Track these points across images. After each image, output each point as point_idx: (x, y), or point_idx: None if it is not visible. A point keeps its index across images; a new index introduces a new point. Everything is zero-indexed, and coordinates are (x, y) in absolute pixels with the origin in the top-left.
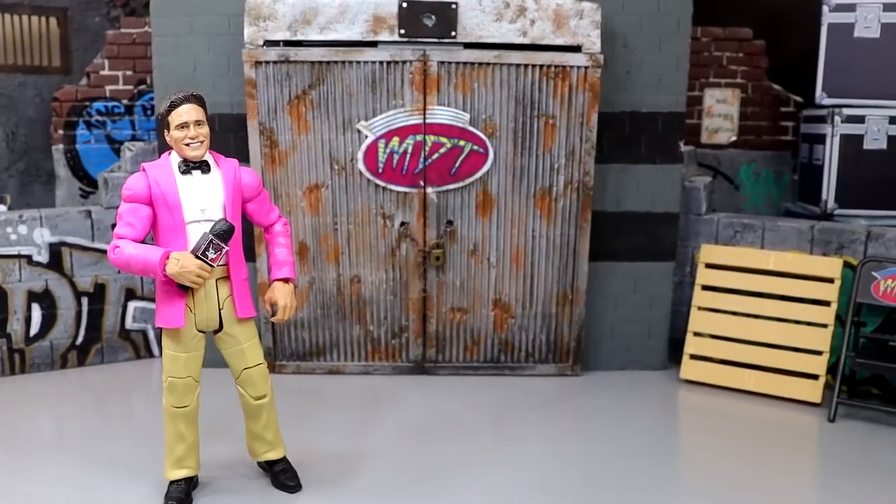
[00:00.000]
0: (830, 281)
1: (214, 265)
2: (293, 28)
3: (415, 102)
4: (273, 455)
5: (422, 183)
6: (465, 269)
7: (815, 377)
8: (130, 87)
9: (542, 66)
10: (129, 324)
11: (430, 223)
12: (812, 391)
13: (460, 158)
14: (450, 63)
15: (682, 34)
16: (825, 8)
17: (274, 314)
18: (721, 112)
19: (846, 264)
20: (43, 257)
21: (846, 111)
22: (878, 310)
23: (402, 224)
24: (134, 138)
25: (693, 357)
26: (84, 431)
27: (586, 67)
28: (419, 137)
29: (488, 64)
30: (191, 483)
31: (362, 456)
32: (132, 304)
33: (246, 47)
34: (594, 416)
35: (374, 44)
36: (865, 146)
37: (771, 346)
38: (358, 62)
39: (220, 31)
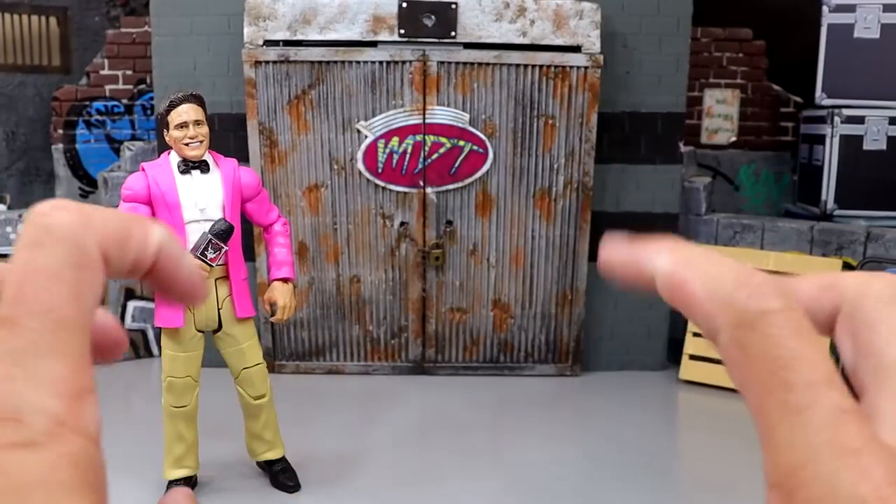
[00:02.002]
0: None
1: (213, 265)
2: (293, 28)
3: (414, 102)
4: (272, 455)
5: (421, 183)
6: (464, 269)
7: None
8: (130, 87)
9: (541, 67)
10: (128, 323)
11: (429, 223)
12: None
13: (460, 158)
14: (449, 63)
15: (682, 34)
16: (825, 8)
17: (273, 314)
18: (721, 112)
19: (846, 265)
20: None
21: (846, 112)
22: None
23: (402, 224)
24: (134, 138)
25: (692, 357)
26: None
27: (586, 67)
28: (419, 137)
29: (488, 64)
30: (190, 483)
31: (361, 456)
32: (131, 304)
33: (246, 47)
34: (593, 416)
35: (373, 44)
36: (865, 147)
37: None
38: (358, 62)
39: (219, 30)
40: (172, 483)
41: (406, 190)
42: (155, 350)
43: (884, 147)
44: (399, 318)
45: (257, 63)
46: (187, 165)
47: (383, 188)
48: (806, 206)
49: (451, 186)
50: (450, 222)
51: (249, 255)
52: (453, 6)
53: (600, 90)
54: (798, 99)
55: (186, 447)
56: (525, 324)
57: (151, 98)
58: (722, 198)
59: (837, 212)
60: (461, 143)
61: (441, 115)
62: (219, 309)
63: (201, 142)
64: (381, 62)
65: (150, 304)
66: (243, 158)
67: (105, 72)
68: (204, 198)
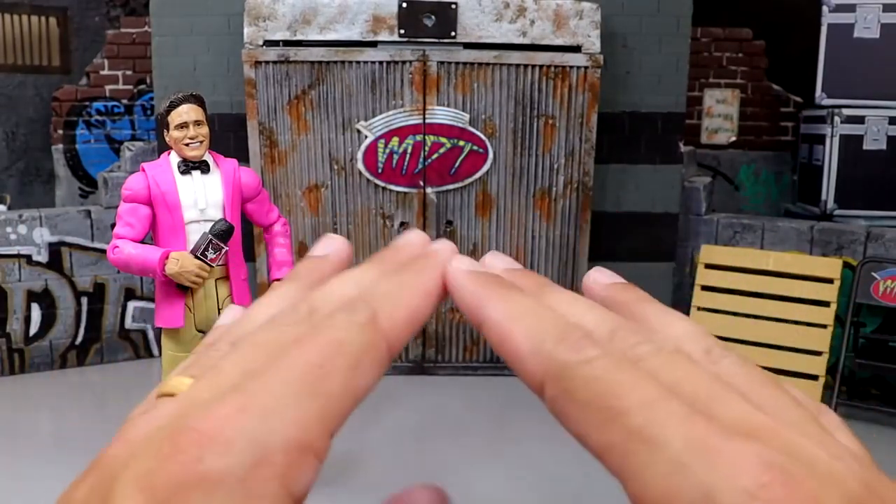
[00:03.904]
0: (830, 281)
1: (214, 265)
2: (293, 28)
3: (414, 102)
4: None
5: (421, 183)
6: None
7: (814, 378)
8: (130, 87)
9: (541, 67)
10: (128, 324)
11: (429, 223)
12: (811, 392)
13: (460, 158)
14: (449, 63)
15: (681, 34)
16: (825, 8)
17: None
18: (721, 112)
19: (846, 265)
20: (42, 257)
21: (846, 111)
22: (877, 310)
23: (402, 224)
24: (134, 138)
25: None
26: (84, 431)
27: (586, 67)
28: (419, 137)
29: (488, 64)
30: None
31: (362, 456)
32: (132, 304)
33: (246, 47)
34: None
35: (373, 44)
36: (865, 147)
37: (770, 347)
38: (358, 62)
39: (220, 31)
40: None
41: (406, 190)
42: (155, 350)
43: (884, 147)
44: None
45: (257, 63)
46: (187, 166)
47: (383, 188)
48: (806, 205)
49: (451, 186)
50: (450, 222)
51: (249, 255)
52: (453, 6)
53: (600, 90)
54: (798, 99)
55: None
56: None
57: (151, 98)
58: (722, 198)
59: (837, 212)
60: (461, 143)
61: (441, 115)
62: (219, 309)
63: (201, 142)
64: (381, 62)
65: (151, 305)
66: (243, 158)
67: (105, 72)
68: (204, 198)
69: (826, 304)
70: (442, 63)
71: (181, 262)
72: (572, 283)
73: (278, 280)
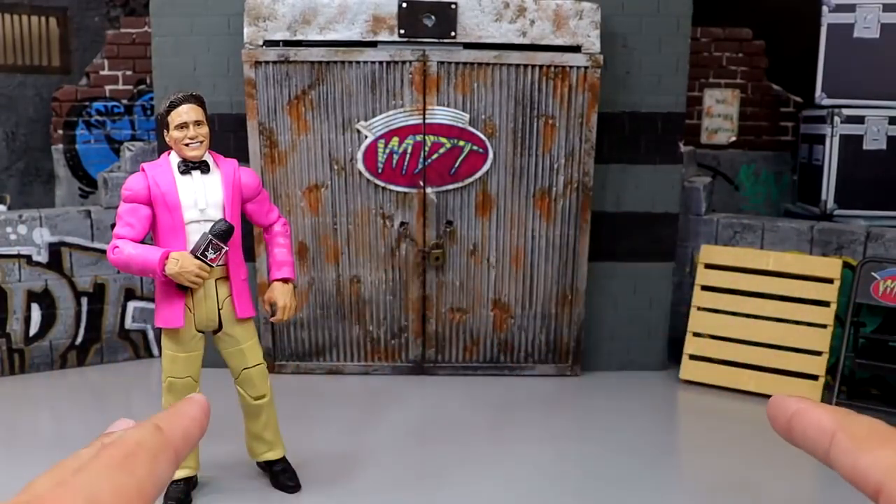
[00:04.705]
0: (830, 281)
1: (214, 265)
2: (293, 28)
3: (414, 102)
4: (272, 455)
5: (421, 183)
6: (464, 269)
7: (814, 378)
8: (130, 87)
9: (541, 67)
10: (128, 324)
11: (429, 223)
12: (811, 392)
13: (460, 159)
14: (449, 63)
15: (681, 34)
16: (825, 8)
17: (273, 314)
18: (721, 112)
19: (846, 265)
20: (42, 257)
21: (846, 111)
22: (877, 310)
23: (402, 224)
24: (133, 138)
25: (692, 357)
26: (84, 431)
27: (586, 67)
28: (419, 137)
29: (488, 64)
30: (190, 483)
31: (362, 456)
32: (132, 304)
33: (246, 47)
34: (593, 416)
35: (373, 44)
36: (865, 146)
37: (770, 347)
38: (357, 62)
39: (219, 31)
40: (172, 483)
41: (406, 190)
42: (155, 350)
43: (884, 147)
44: (399, 319)
45: (257, 63)
46: (187, 166)
47: (383, 188)
48: (806, 205)
49: (451, 186)
50: (450, 222)
51: (249, 255)
52: (453, 6)
53: (600, 90)
54: (798, 99)
55: None
56: (525, 324)
57: (151, 98)
58: (722, 198)
59: (837, 211)
60: (461, 143)
61: (441, 115)
62: (219, 309)
63: (201, 142)
64: (381, 62)
65: (151, 305)
66: (243, 159)
67: (105, 72)
68: (204, 198)
69: (826, 304)
70: (442, 63)
71: (181, 263)
72: (572, 283)
73: (278, 280)
